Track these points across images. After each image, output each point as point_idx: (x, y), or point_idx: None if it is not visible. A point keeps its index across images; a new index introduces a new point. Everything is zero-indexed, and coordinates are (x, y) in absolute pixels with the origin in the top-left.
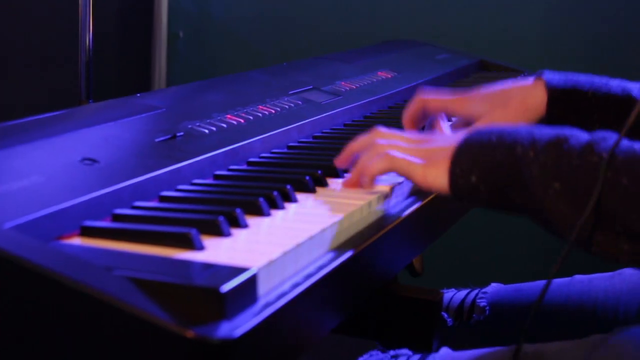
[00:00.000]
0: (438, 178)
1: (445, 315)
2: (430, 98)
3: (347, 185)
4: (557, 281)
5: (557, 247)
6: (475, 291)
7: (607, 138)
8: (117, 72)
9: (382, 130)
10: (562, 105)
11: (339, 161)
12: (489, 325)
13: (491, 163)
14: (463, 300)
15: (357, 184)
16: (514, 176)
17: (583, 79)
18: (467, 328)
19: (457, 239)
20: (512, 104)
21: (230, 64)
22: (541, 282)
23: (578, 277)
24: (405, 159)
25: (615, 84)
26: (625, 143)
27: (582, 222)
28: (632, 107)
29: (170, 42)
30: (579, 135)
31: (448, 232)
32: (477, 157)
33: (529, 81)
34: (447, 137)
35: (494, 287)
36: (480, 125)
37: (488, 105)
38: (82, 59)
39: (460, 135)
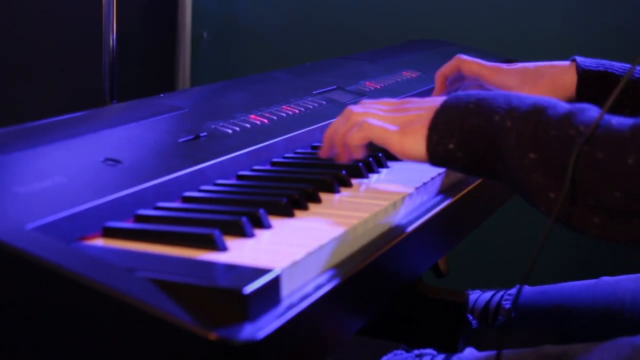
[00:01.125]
0: (416, 146)
1: (470, 317)
2: (468, 60)
3: (322, 154)
4: (583, 283)
5: (584, 250)
6: (501, 293)
7: (586, 109)
8: (142, 73)
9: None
10: (592, 88)
11: (323, 152)
12: (514, 327)
13: (469, 130)
14: (488, 302)
15: (340, 158)
16: (491, 144)
17: (616, 64)
18: (492, 330)
19: (482, 240)
20: (542, 82)
21: (255, 65)
22: (567, 284)
23: (605, 278)
24: (382, 127)
25: None
26: (604, 117)
27: (561, 195)
28: None
29: (194, 42)
30: (557, 106)
31: (473, 233)
32: (454, 123)
33: (564, 63)
34: (424, 102)
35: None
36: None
37: (519, 79)
38: (106, 60)
39: (438, 100)
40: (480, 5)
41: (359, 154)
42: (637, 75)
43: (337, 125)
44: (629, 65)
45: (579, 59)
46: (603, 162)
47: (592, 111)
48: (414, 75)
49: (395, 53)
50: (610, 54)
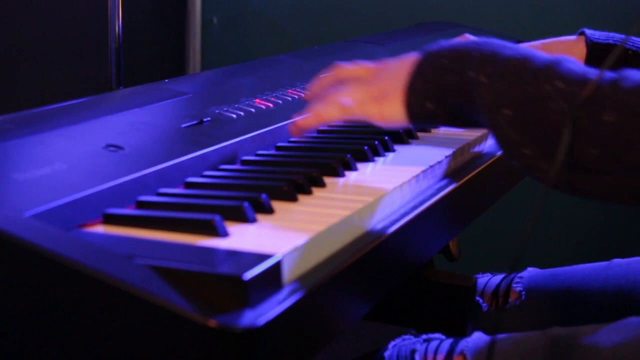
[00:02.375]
0: (395, 112)
1: (481, 300)
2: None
3: (299, 125)
4: (595, 265)
5: (596, 232)
6: (512, 276)
7: (562, 61)
8: (152, 59)
9: (336, 72)
10: (602, 60)
11: (298, 130)
12: (525, 310)
13: (445, 87)
14: (498, 285)
15: (308, 127)
16: (468, 99)
17: (623, 37)
18: (502, 313)
19: (493, 223)
20: None
21: (265, 49)
22: (578, 267)
23: (616, 260)
24: (358, 106)
25: None
26: (579, 69)
27: (529, 154)
28: None
29: (204, 28)
30: (533, 58)
31: (484, 215)
32: (430, 82)
33: (572, 37)
34: (398, 64)
35: (530, 271)
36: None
37: None
38: (112, 47)
39: (411, 59)
40: None
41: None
42: None
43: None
44: (637, 38)
45: (587, 31)
46: (580, 119)
47: (569, 62)
48: None
49: (404, 36)
50: (625, 29)
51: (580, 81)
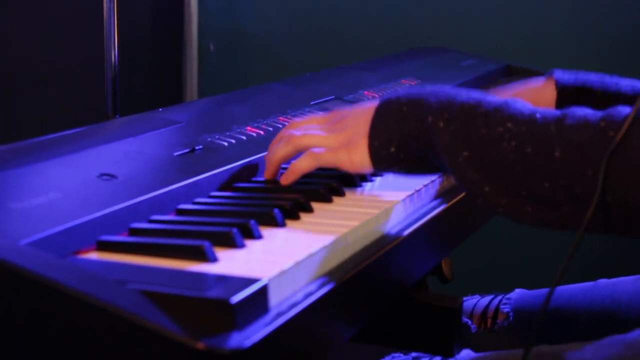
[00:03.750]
0: (363, 159)
1: (469, 322)
2: None
3: (268, 176)
4: (581, 285)
5: (582, 253)
6: (499, 297)
7: (510, 103)
8: (149, 86)
9: (291, 125)
10: (572, 103)
11: (269, 175)
12: (513, 331)
13: (406, 133)
14: (487, 306)
15: (290, 182)
16: (428, 143)
17: (593, 77)
18: (490, 334)
19: (484, 245)
20: None
21: (262, 77)
22: (565, 287)
23: (602, 281)
24: (329, 153)
25: (626, 83)
26: (527, 110)
27: (490, 191)
28: None
29: (201, 55)
30: (486, 102)
31: (473, 238)
32: (391, 128)
33: (540, 81)
34: (358, 112)
35: (517, 293)
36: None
37: None
38: (108, 76)
39: (371, 107)
40: (482, 11)
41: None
42: (623, 89)
43: (280, 150)
44: (606, 78)
45: (556, 74)
46: (531, 156)
47: (517, 103)
48: (413, 83)
49: (395, 61)
50: (611, 57)
51: (528, 120)
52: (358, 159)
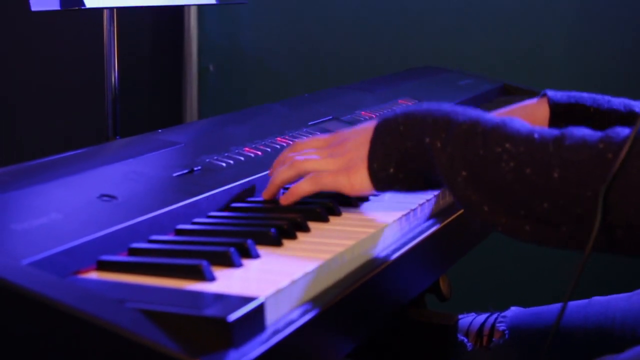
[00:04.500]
0: (362, 180)
1: (465, 340)
2: None
3: (267, 197)
4: (575, 303)
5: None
6: (495, 315)
7: (508, 123)
8: (149, 107)
9: (294, 147)
10: (565, 121)
11: (268, 195)
12: (509, 349)
13: (404, 153)
14: (482, 324)
15: (290, 203)
16: (426, 163)
17: (585, 96)
18: (486, 352)
19: (481, 263)
20: None
21: (262, 97)
22: (559, 305)
23: (596, 298)
24: (330, 177)
25: (618, 101)
26: (525, 129)
27: (489, 210)
28: (634, 123)
29: (201, 76)
30: (483, 121)
31: (469, 256)
32: (389, 148)
33: (533, 100)
34: (356, 133)
35: (513, 310)
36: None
37: None
38: (109, 97)
39: (369, 128)
40: (481, 32)
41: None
42: (615, 106)
43: (282, 174)
44: (598, 97)
45: (549, 93)
46: (530, 176)
47: (515, 122)
48: (410, 103)
49: (392, 81)
50: (609, 78)
51: (526, 140)
52: (358, 182)
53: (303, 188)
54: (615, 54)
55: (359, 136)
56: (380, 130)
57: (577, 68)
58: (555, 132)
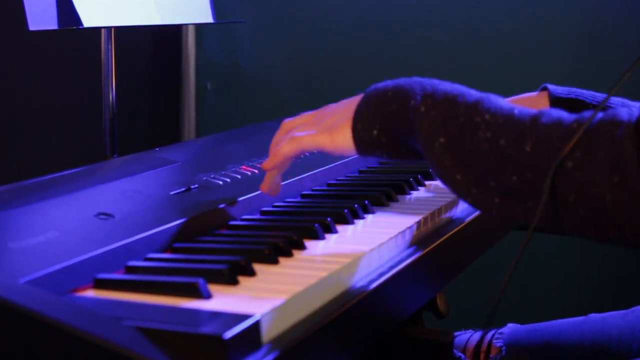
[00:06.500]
0: (345, 139)
1: (463, 356)
2: None
3: (264, 167)
4: (571, 320)
5: (573, 288)
6: (492, 332)
7: (492, 98)
8: (147, 125)
9: (282, 127)
10: None
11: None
12: None
13: (388, 115)
14: (480, 340)
15: (272, 166)
16: (409, 127)
17: (585, 92)
18: None
19: (478, 279)
20: None
21: (260, 115)
22: (556, 322)
23: (593, 315)
24: (310, 135)
25: (617, 100)
26: (507, 106)
27: (461, 179)
28: None
29: (199, 94)
30: (467, 94)
31: (466, 273)
32: (375, 110)
33: (533, 94)
34: (345, 101)
35: (510, 327)
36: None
37: None
38: (106, 115)
39: (359, 96)
40: (482, 48)
41: (283, 167)
42: (614, 103)
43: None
44: (597, 94)
45: (550, 87)
46: (504, 147)
47: (498, 99)
48: None
49: None
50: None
51: (507, 114)
52: (340, 139)
53: (285, 149)
54: (617, 69)
55: (347, 103)
56: (369, 94)
57: (575, 83)
58: (535, 110)
